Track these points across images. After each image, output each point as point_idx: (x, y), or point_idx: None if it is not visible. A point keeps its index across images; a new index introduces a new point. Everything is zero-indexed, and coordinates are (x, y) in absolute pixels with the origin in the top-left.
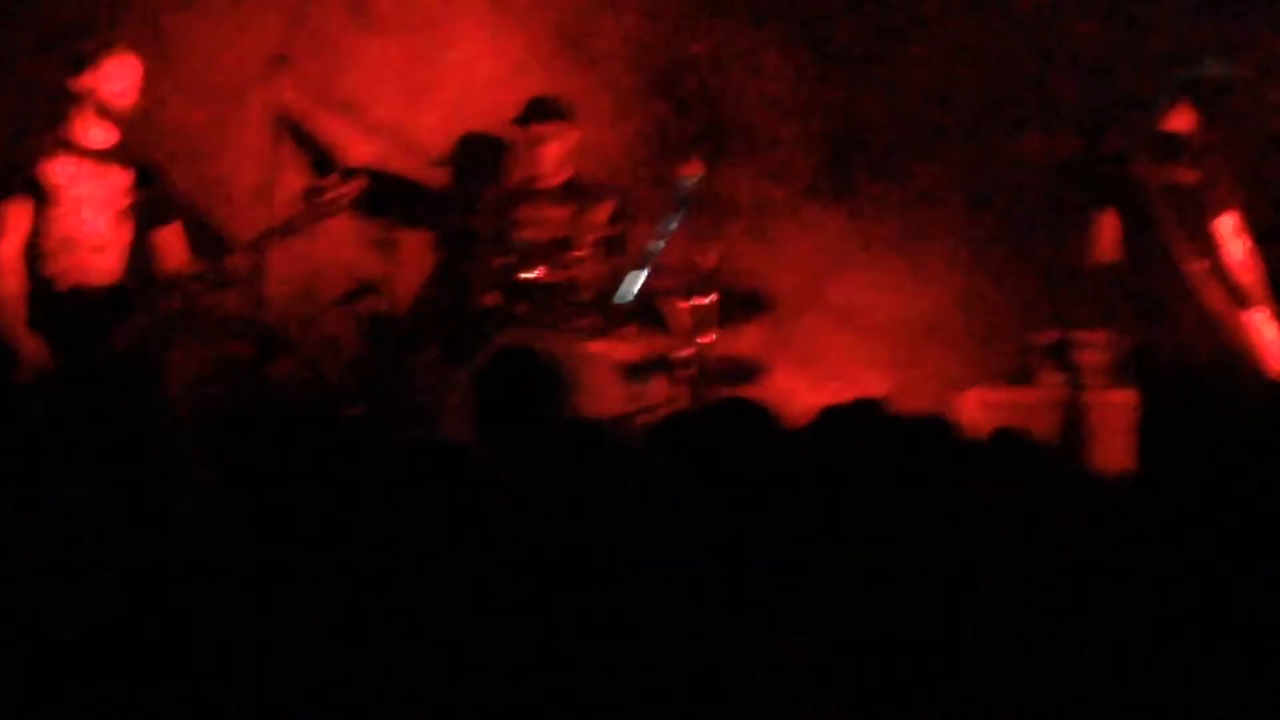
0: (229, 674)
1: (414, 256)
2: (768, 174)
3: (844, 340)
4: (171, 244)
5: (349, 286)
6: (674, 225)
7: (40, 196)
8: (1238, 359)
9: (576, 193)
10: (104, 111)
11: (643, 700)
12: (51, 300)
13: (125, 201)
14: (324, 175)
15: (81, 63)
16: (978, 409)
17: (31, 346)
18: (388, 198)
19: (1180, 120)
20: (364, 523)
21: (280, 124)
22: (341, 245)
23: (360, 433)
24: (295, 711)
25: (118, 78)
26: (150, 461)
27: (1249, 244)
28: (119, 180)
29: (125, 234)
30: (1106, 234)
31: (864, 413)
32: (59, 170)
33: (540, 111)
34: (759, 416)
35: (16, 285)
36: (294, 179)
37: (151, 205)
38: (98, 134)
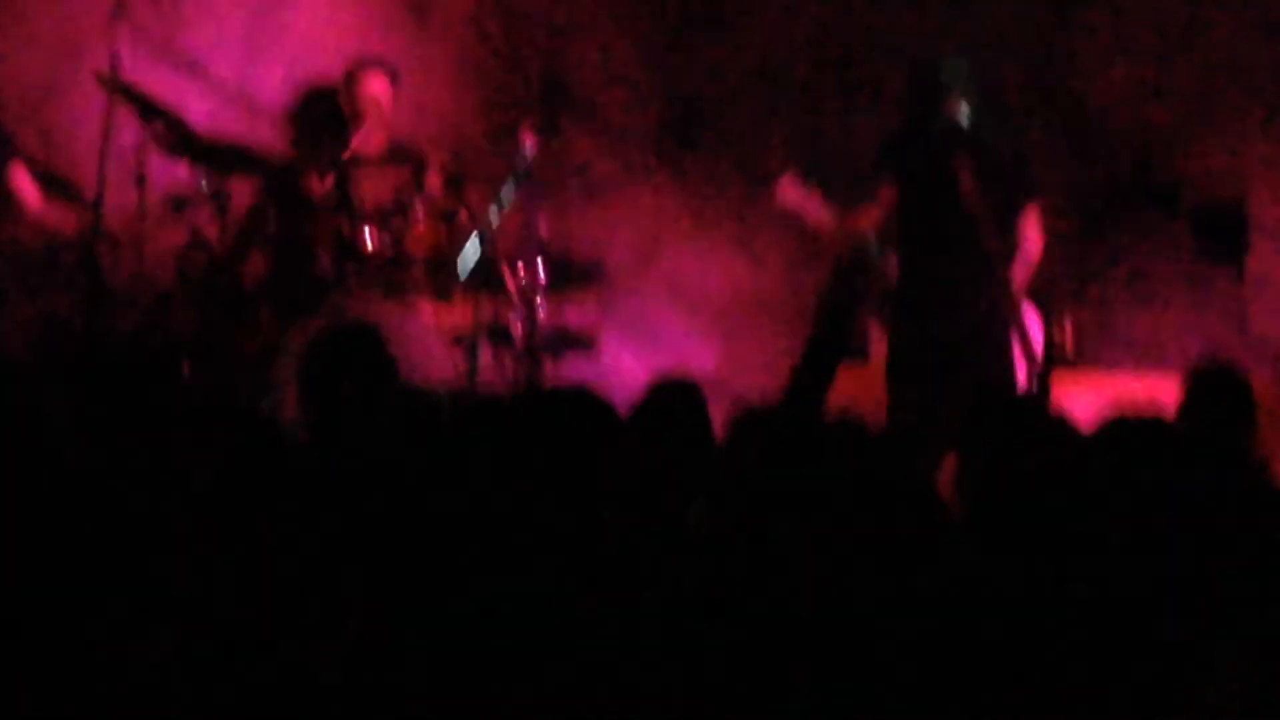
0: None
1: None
2: (604, 144)
3: (674, 313)
4: (21, 181)
5: (182, 241)
6: (510, 194)
7: None
8: (1017, 345)
9: (403, 158)
10: None
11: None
12: None
13: None
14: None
15: None
16: None
17: None
18: (224, 154)
19: (955, 109)
20: (186, 489)
21: (117, 79)
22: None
23: (188, 393)
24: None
25: None
26: None
27: (1044, 239)
28: None
29: None
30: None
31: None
32: None
33: (363, 70)
34: (592, 408)
35: None
36: (132, 134)
37: None
38: None
